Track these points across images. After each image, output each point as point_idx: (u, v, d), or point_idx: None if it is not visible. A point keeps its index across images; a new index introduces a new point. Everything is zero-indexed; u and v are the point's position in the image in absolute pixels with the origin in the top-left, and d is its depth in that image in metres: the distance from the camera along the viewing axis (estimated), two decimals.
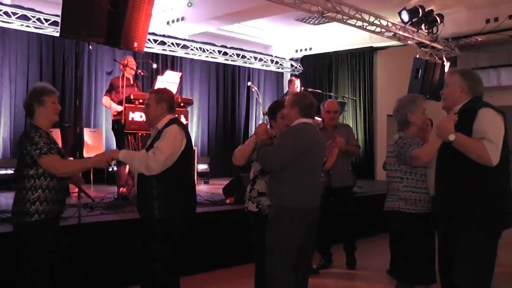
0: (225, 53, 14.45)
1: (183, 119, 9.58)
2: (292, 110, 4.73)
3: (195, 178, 11.02)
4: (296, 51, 16.15)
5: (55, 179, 4.23)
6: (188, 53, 13.58)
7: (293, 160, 4.49)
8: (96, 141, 11.24)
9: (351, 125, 14.56)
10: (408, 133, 4.48)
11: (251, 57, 15.17)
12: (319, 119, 8.22)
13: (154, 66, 11.17)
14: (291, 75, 15.71)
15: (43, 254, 4.17)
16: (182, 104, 9.71)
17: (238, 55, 14.78)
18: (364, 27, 11.10)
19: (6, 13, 10.08)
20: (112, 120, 8.58)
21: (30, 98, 4.41)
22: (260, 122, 14.61)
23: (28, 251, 4.18)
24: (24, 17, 10.34)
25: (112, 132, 9.07)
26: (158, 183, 4.52)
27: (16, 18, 10.22)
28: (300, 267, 4.72)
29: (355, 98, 14.60)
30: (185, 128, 4.78)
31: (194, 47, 13.59)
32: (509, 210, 3.85)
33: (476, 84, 4.10)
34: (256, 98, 11.69)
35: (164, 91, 4.99)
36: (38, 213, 4.13)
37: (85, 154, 10.66)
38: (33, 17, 10.40)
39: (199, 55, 13.85)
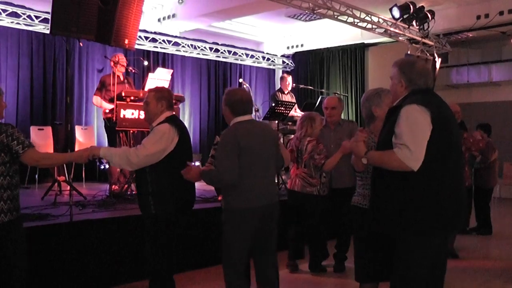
0: (217, 50, 14.43)
1: None
2: (226, 111, 4.67)
3: None
4: (288, 47, 16.15)
5: (16, 176, 4.19)
6: (180, 50, 13.56)
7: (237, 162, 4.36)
8: (88, 138, 11.20)
9: None
10: (373, 129, 4.29)
11: (242, 54, 15.16)
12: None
13: (145, 63, 11.16)
14: (283, 71, 15.71)
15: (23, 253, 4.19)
16: (173, 101, 9.70)
17: (229, 52, 14.77)
18: (355, 23, 11.11)
19: None
20: (104, 118, 8.55)
21: None
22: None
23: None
24: (15, 14, 10.29)
25: (104, 130, 9.05)
26: (152, 179, 4.59)
27: (6, 15, 10.17)
28: (263, 264, 4.69)
29: (346, 95, 14.64)
30: (180, 125, 4.81)
31: (186, 44, 13.57)
32: (446, 213, 3.52)
33: (416, 76, 3.72)
34: None
35: (163, 89, 5.10)
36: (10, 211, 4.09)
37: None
38: (24, 14, 10.35)
39: (191, 52, 13.83)
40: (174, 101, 9.39)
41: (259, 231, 4.53)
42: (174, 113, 4.90)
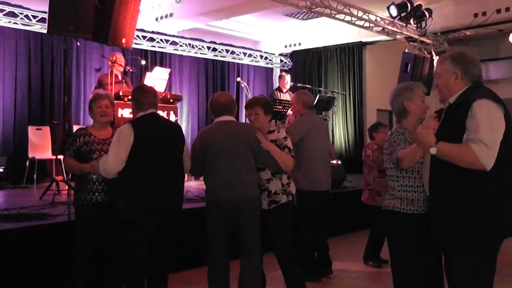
0: (214, 49, 14.43)
1: (172, 115, 9.58)
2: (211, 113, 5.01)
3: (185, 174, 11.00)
4: (285, 46, 16.15)
5: None
6: (177, 49, 13.55)
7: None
8: None
9: (340, 120, 14.63)
10: (406, 125, 4.06)
11: (240, 52, 15.16)
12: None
13: (143, 62, 11.16)
14: (281, 70, 15.67)
15: None
16: (171, 100, 9.70)
17: (227, 51, 14.76)
18: (353, 22, 11.13)
19: None
20: None
21: None
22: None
23: None
24: (12, 14, 10.28)
25: None
26: (121, 182, 4.58)
27: (4, 15, 10.16)
28: (243, 268, 4.97)
29: (344, 93, 14.64)
30: (141, 125, 4.59)
31: (183, 43, 13.56)
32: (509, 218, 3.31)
33: (472, 67, 3.53)
34: (246, 93, 11.66)
35: (135, 89, 5.00)
36: None
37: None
38: (21, 13, 10.33)
39: (188, 51, 13.82)
40: (171, 100, 9.49)
41: (233, 227, 4.76)
42: (150, 111, 4.62)
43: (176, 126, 4.99)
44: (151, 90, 4.75)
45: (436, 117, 3.80)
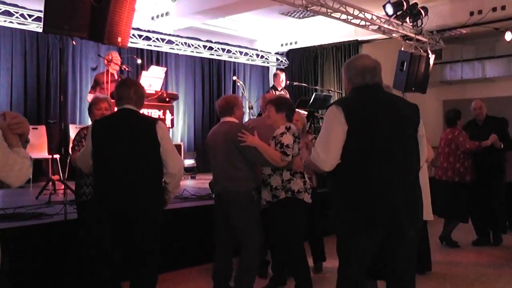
0: (210, 48, 14.41)
1: (168, 114, 9.59)
2: None
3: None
4: (282, 45, 16.14)
5: None
6: (173, 48, 13.54)
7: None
8: None
9: None
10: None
11: (236, 51, 15.14)
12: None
13: (139, 61, 11.16)
14: (277, 69, 15.68)
15: None
16: (167, 99, 9.72)
17: (223, 49, 14.74)
18: (349, 20, 11.12)
19: None
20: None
21: None
22: (246, 116, 14.65)
23: None
24: (7, 13, 10.25)
25: None
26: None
27: None
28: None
29: (340, 91, 14.62)
30: (104, 120, 4.66)
31: (179, 42, 13.55)
32: (356, 214, 3.54)
33: (354, 74, 3.75)
34: (242, 92, 11.67)
35: (117, 83, 5.12)
36: None
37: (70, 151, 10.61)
38: (16, 12, 10.30)
39: (184, 50, 13.81)
40: (168, 99, 9.48)
41: (227, 219, 5.29)
42: (127, 107, 4.49)
43: (145, 124, 4.50)
44: (132, 85, 4.59)
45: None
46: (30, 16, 10.44)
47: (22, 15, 10.38)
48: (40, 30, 8.06)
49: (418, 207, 3.67)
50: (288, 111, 5.42)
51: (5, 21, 10.29)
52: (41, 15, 6.74)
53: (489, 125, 7.94)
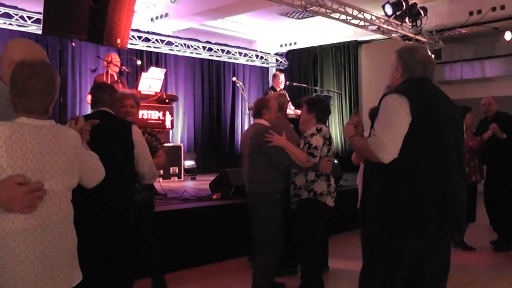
0: (210, 49, 14.42)
1: (168, 115, 9.58)
2: None
3: (182, 174, 11.03)
4: (281, 45, 16.17)
5: None
6: (173, 50, 13.54)
7: None
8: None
9: (336, 119, 14.67)
10: None
11: (235, 52, 15.15)
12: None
13: (139, 62, 11.15)
14: (276, 69, 15.68)
15: None
16: (167, 101, 9.70)
17: (222, 50, 14.75)
18: (348, 21, 11.13)
19: None
20: None
21: None
22: (246, 117, 14.64)
23: None
24: (7, 15, 10.27)
25: None
26: None
27: None
28: None
29: (340, 92, 14.65)
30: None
31: (179, 43, 13.56)
32: (420, 216, 3.17)
33: (415, 64, 3.43)
34: (242, 93, 11.69)
35: (93, 87, 5.00)
36: None
37: None
38: (16, 14, 10.33)
39: (184, 51, 13.82)
40: (167, 100, 9.48)
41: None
42: (103, 109, 4.45)
43: (120, 126, 4.48)
44: (107, 89, 4.57)
45: (355, 112, 3.96)
46: (29, 18, 10.46)
47: (21, 17, 10.40)
48: (40, 32, 8.06)
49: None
50: (319, 113, 5.46)
51: (4, 23, 10.31)
52: (41, 17, 6.76)
53: (499, 121, 7.86)
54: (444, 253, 3.38)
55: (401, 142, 3.16)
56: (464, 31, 12.97)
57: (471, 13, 11.64)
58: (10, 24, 10.37)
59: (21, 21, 10.41)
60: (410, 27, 12.05)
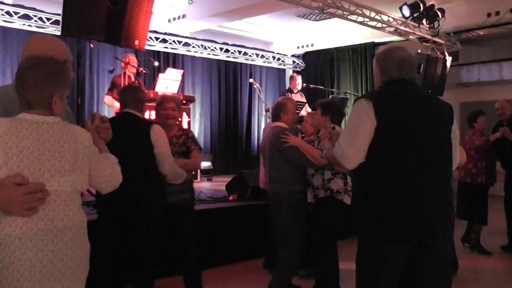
0: (227, 50, 14.44)
1: (185, 117, 9.62)
2: None
3: (198, 175, 11.05)
4: (298, 47, 16.14)
5: None
6: (190, 51, 13.57)
7: None
8: None
9: None
10: None
11: (252, 54, 15.16)
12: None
13: (156, 63, 11.19)
14: (293, 71, 15.67)
15: None
16: (184, 102, 9.73)
17: (239, 52, 14.77)
18: (365, 22, 11.10)
19: (8, 12, 10.08)
20: None
21: None
22: (263, 119, 14.63)
23: None
24: (26, 17, 10.34)
25: None
26: None
27: (18, 17, 10.22)
28: None
29: (357, 94, 14.58)
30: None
31: (196, 45, 13.59)
32: (384, 221, 3.15)
33: (389, 66, 3.39)
34: (258, 94, 11.68)
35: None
36: None
37: None
38: (35, 16, 10.40)
39: (201, 53, 13.84)
40: (184, 101, 9.51)
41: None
42: (126, 110, 4.62)
43: (140, 126, 4.54)
44: (130, 91, 4.73)
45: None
46: (48, 19, 10.52)
47: (40, 18, 10.47)
48: (58, 33, 8.11)
49: (452, 215, 3.42)
50: (333, 114, 5.51)
51: (23, 24, 10.38)
52: (59, 18, 6.80)
53: None
54: (440, 259, 3.25)
55: (364, 148, 3.17)
56: (482, 33, 12.88)
57: (489, 15, 11.57)
58: (29, 25, 10.44)
59: (40, 22, 10.48)
60: (428, 28, 12.00)
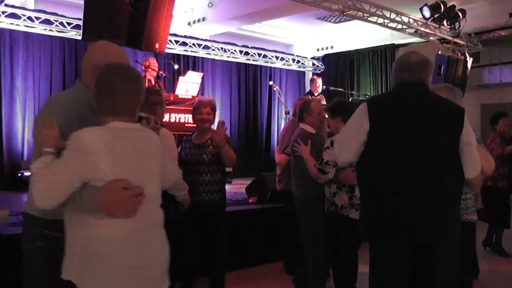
0: (247, 53, 14.45)
1: None
2: None
3: None
4: (318, 49, 16.10)
5: None
6: (210, 54, 13.61)
7: None
8: None
9: None
10: None
11: (272, 56, 15.14)
12: None
13: (176, 66, 11.23)
14: (313, 74, 15.66)
15: None
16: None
17: (259, 54, 14.76)
18: (385, 24, 11.06)
19: (29, 18, 10.17)
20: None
21: None
22: (283, 121, 14.61)
23: None
24: (47, 21, 10.42)
25: None
26: None
27: (39, 22, 10.32)
28: None
29: None
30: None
31: (215, 47, 13.61)
32: (374, 222, 3.27)
33: (394, 71, 3.48)
34: (278, 97, 11.70)
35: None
36: None
37: None
38: (56, 21, 10.48)
39: (221, 55, 13.87)
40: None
41: None
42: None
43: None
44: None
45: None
46: (69, 24, 10.60)
47: (61, 23, 10.55)
48: (79, 37, 8.19)
49: (453, 218, 3.30)
50: (343, 113, 4.91)
51: (45, 29, 10.48)
52: (80, 23, 6.85)
53: None
54: (441, 265, 3.24)
55: (354, 149, 3.34)
56: (503, 33, 12.76)
57: (511, 15, 11.47)
58: (50, 30, 10.53)
59: (61, 27, 10.56)
60: (448, 29, 11.92)
